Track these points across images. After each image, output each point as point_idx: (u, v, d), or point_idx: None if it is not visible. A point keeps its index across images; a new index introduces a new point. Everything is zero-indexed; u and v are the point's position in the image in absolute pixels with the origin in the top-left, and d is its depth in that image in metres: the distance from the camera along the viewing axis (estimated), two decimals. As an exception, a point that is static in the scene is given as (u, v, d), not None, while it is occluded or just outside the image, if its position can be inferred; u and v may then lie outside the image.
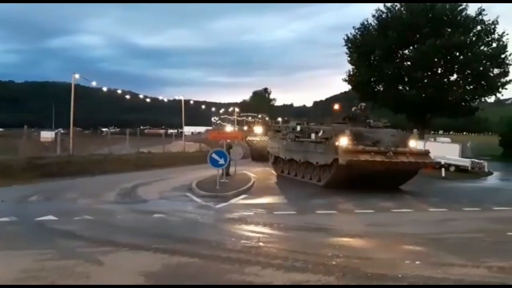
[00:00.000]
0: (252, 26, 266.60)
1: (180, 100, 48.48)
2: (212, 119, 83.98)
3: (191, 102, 58.73)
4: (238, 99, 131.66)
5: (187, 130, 66.97)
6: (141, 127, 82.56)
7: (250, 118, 73.22)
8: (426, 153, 17.08)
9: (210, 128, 71.81)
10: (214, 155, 15.38)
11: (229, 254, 7.42)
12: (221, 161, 15.39)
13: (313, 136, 18.20)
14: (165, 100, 53.12)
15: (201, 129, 79.02)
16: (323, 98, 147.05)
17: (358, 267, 6.78)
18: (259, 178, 19.71)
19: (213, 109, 79.15)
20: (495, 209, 13.18)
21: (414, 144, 17.25)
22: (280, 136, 21.43)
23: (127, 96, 48.00)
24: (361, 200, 14.19)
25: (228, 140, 19.47)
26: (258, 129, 33.43)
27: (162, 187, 17.02)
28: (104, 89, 38.92)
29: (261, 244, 8.19)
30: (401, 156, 16.00)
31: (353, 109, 19.57)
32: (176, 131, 61.32)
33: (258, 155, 30.04)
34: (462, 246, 8.42)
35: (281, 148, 20.81)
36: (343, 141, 15.86)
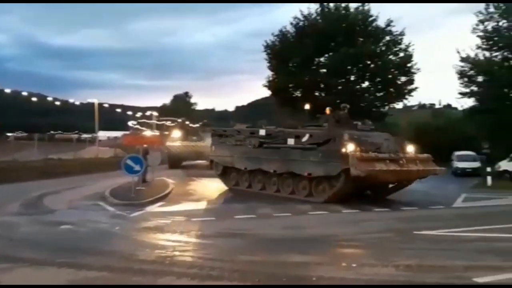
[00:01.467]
0: (173, 28, 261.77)
1: (94, 103, 46.32)
2: (130, 123, 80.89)
3: (106, 105, 56.40)
4: (158, 103, 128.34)
5: (102, 135, 64.04)
6: (52, 132, 77.55)
7: (169, 122, 71.80)
8: (430, 160, 15.49)
9: (127, 132, 69.28)
10: (129, 162, 14.73)
11: (141, 265, 7.07)
12: (137, 168, 14.76)
13: (290, 141, 15.40)
14: (78, 103, 50.49)
15: (118, 133, 76.02)
16: (245, 103, 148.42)
17: (274, 271, 6.78)
18: (178, 185, 19.24)
19: (130, 112, 76.53)
20: (403, 209, 13.94)
21: (412, 149, 15.51)
22: (231, 142, 17.88)
23: (34, 99, 44.87)
24: (280, 204, 14.37)
25: (145, 145, 18.78)
26: (176, 133, 30.08)
27: (72, 196, 16.01)
28: (7, 90, 36.11)
29: (176, 253, 7.92)
30: (411, 164, 14.43)
31: (327, 109, 16.74)
32: (90, 136, 58.44)
33: (176, 162, 28.46)
34: (373, 246, 8.75)
35: (238, 156, 17.42)
36: (351, 148, 13.60)
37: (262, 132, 16.79)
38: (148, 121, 74.53)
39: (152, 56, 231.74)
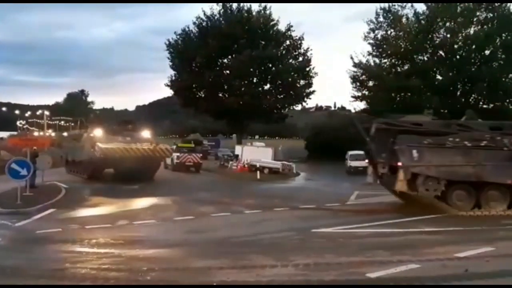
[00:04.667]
0: (68, 22, 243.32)
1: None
2: (18, 123, 74.36)
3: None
4: (50, 101, 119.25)
5: (-17, 135, 58.13)
6: None
7: (63, 122, 67.27)
8: None
9: (14, 133, 63.52)
10: (14, 165, 13.42)
11: (27, 281, 6.42)
12: (23, 172, 13.50)
13: None
14: (-45, 100, 45.14)
15: (4, 134, 69.43)
16: (146, 103, 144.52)
17: (175, 279, 6.58)
18: (71, 189, 17.94)
19: (17, 111, 70.50)
20: (301, 207, 14.39)
21: None
22: (459, 144, 12.38)
23: None
24: (183, 206, 14.12)
25: (34, 148, 17.29)
26: (98, 132, 22.90)
27: None
28: None
29: (67, 265, 7.30)
30: None
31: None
32: (-30, 136, 52.64)
33: (102, 170, 22.05)
34: (274, 246, 8.89)
35: (493, 164, 12.24)
36: None
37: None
38: (39, 121, 69.22)
39: (45, 51, 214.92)
